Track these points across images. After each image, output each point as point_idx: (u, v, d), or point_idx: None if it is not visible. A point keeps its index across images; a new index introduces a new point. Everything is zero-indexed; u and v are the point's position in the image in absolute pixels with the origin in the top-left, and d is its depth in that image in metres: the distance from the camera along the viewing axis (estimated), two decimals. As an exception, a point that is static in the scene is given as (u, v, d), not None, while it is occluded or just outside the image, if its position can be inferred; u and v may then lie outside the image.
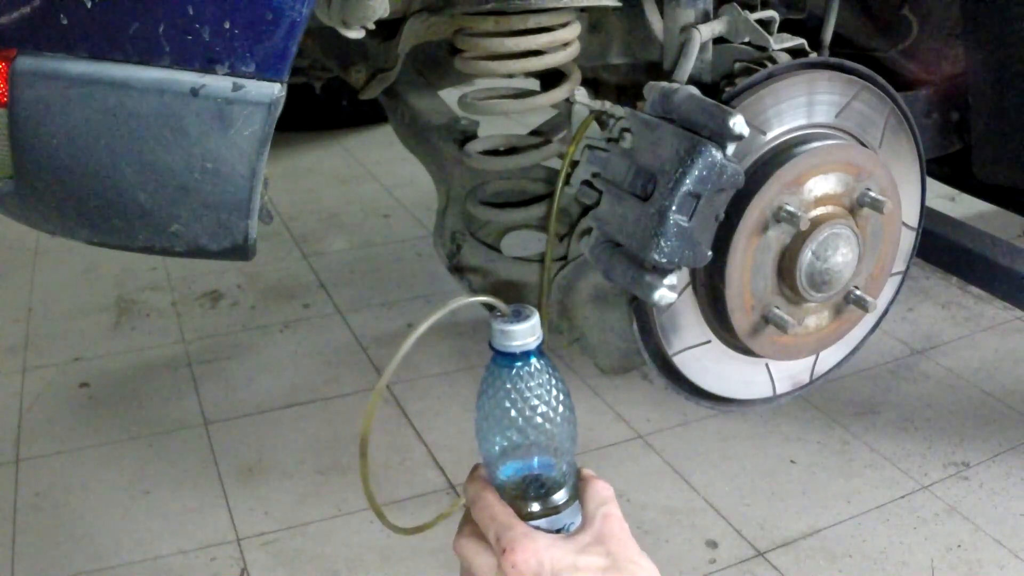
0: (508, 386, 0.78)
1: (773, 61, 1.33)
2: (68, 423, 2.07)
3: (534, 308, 0.79)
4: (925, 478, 1.85)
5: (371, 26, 1.12)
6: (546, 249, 1.49)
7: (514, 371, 0.78)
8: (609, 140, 1.31)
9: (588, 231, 1.32)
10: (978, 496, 1.79)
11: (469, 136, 1.75)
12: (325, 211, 3.19)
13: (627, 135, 1.26)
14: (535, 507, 0.79)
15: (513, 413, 0.78)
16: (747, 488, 1.84)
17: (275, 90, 1.01)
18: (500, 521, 0.76)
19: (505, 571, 0.73)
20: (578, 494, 0.81)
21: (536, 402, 0.78)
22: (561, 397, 0.79)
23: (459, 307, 0.80)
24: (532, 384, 0.78)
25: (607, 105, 1.33)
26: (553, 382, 0.79)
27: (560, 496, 0.80)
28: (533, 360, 0.78)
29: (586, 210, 1.33)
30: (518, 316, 0.78)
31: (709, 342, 1.39)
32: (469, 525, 0.79)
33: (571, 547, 0.75)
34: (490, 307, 0.80)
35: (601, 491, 0.80)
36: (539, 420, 0.78)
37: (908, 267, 1.54)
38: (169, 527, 1.75)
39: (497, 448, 0.80)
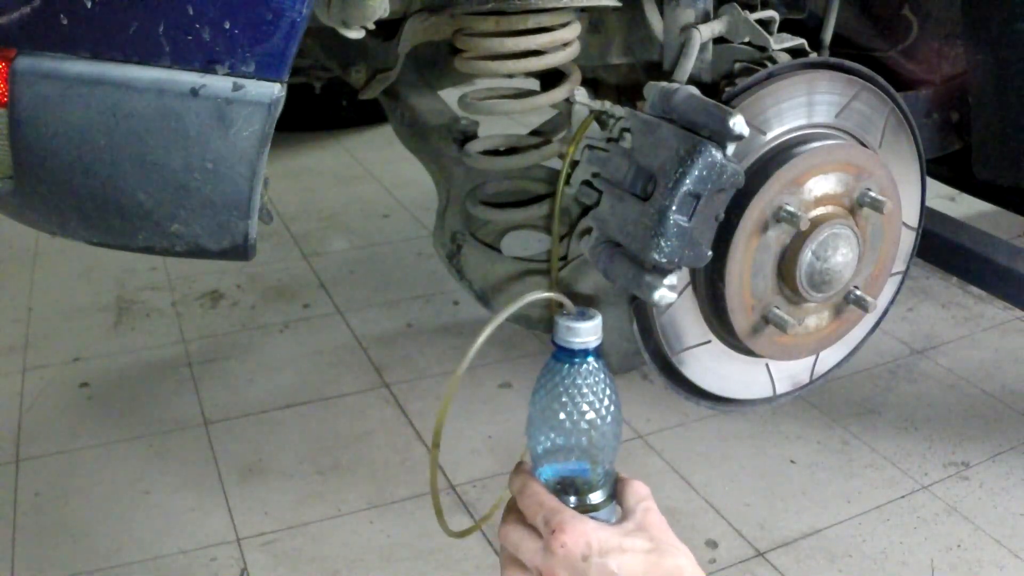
0: (566, 382, 0.81)
1: (773, 61, 1.32)
2: (68, 423, 2.07)
3: (597, 312, 0.83)
4: (925, 478, 1.85)
5: (371, 26, 1.12)
6: (551, 250, 1.49)
7: (572, 367, 0.82)
8: (609, 140, 1.31)
9: (588, 231, 1.32)
10: (978, 496, 1.79)
11: (469, 136, 1.75)
12: (325, 211, 3.19)
13: (627, 135, 1.26)
14: (572, 504, 0.82)
15: (562, 415, 0.81)
16: (747, 488, 1.84)
17: (275, 90, 1.01)
18: (549, 506, 0.79)
19: (554, 551, 0.76)
20: (615, 495, 0.85)
21: (588, 403, 0.81)
22: (611, 404, 0.83)
23: (531, 302, 0.83)
24: (588, 382, 0.81)
25: (607, 105, 1.33)
26: (606, 384, 0.83)
27: (597, 496, 0.84)
28: (591, 359, 0.82)
29: (586, 210, 1.33)
30: (582, 315, 0.82)
31: (709, 342, 1.39)
32: (514, 513, 0.83)
33: (617, 531, 0.79)
34: (559, 304, 0.84)
35: (639, 489, 0.84)
36: (585, 425, 0.81)
37: (908, 267, 1.54)
38: (169, 527, 1.76)
39: (541, 448, 0.83)
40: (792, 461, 1.91)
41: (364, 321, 2.47)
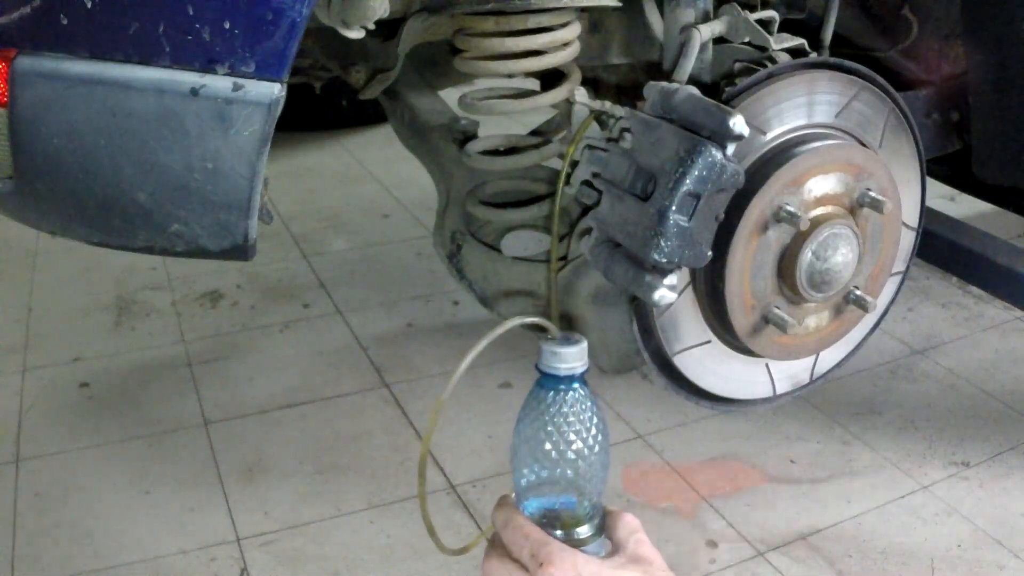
0: (551, 410, 0.78)
1: (773, 61, 1.33)
2: (68, 423, 2.07)
3: (583, 337, 0.80)
4: (925, 478, 1.85)
5: (371, 26, 1.12)
6: (551, 250, 1.49)
7: (558, 394, 0.79)
8: (609, 140, 1.31)
9: (588, 231, 1.32)
10: (978, 496, 1.79)
11: (469, 136, 1.75)
12: (325, 211, 3.19)
13: (627, 135, 1.26)
14: (559, 537, 0.79)
15: (548, 445, 0.78)
16: (746, 488, 1.84)
17: (275, 90, 1.01)
18: (535, 538, 0.76)
19: None
20: (604, 529, 0.82)
21: (575, 432, 0.78)
22: (598, 433, 0.80)
23: (514, 327, 0.81)
24: (574, 410, 0.78)
25: (607, 105, 1.33)
26: (593, 413, 0.79)
27: (584, 530, 0.81)
28: (577, 386, 0.79)
29: (586, 210, 1.33)
30: (567, 340, 0.80)
31: (709, 342, 1.39)
32: (498, 548, 0.80)
33: (608, 564, 0.76)
34: (541, 329, 0.81)
35: (630, 522, 0.81)
36: (572, 456, 0.78)
37: (908, 267, 1.54)
38: (169, 527, 1.75)
39: (525, 481, 0.80)
40: (792, 461, 1.91)
41: (364, 321, 2.47)
